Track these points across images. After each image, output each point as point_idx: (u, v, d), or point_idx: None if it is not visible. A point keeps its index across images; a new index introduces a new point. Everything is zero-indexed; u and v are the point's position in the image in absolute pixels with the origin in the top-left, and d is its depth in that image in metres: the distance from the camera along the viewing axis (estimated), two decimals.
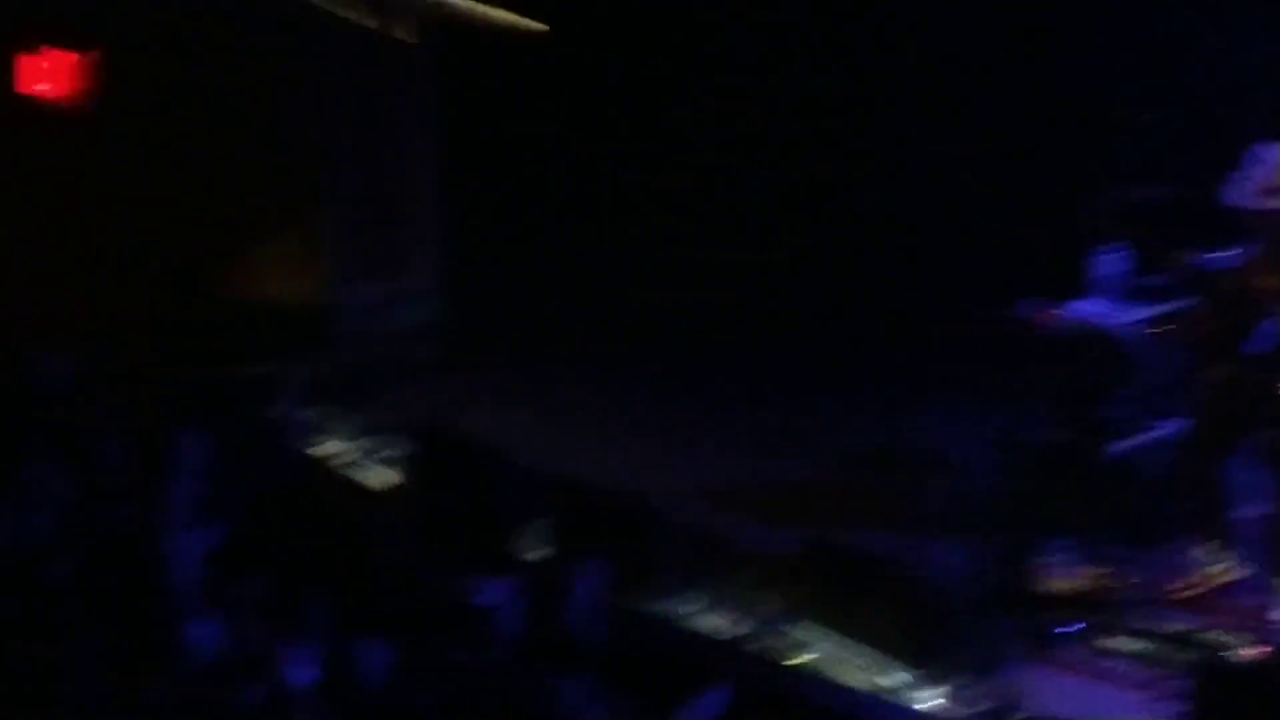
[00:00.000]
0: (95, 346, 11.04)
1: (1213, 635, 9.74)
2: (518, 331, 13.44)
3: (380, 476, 11.78)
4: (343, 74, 12.86)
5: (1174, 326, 10.44)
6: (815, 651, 9.68)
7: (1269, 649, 9.59)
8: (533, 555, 10.49)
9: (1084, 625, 9.88)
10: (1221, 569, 10.17)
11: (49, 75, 12.10)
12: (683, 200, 14.42)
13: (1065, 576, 10.23)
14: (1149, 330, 10.67)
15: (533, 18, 13.75)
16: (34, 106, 12.14)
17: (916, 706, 9.31)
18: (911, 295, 13.90)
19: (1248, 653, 9.55)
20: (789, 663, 9.67)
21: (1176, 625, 9.85)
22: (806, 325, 13.79)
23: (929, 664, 9.41)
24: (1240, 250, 9.89)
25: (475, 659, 9.14)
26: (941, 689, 9.29)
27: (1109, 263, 10.96)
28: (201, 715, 8.42)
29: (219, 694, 8.63)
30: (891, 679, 9.46)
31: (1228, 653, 9.56)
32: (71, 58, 12.13)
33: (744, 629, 9.92)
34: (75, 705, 8.42)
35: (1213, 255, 9.99)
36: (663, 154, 14.45)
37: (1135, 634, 9.81)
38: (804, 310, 13.92)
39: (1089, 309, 10.89)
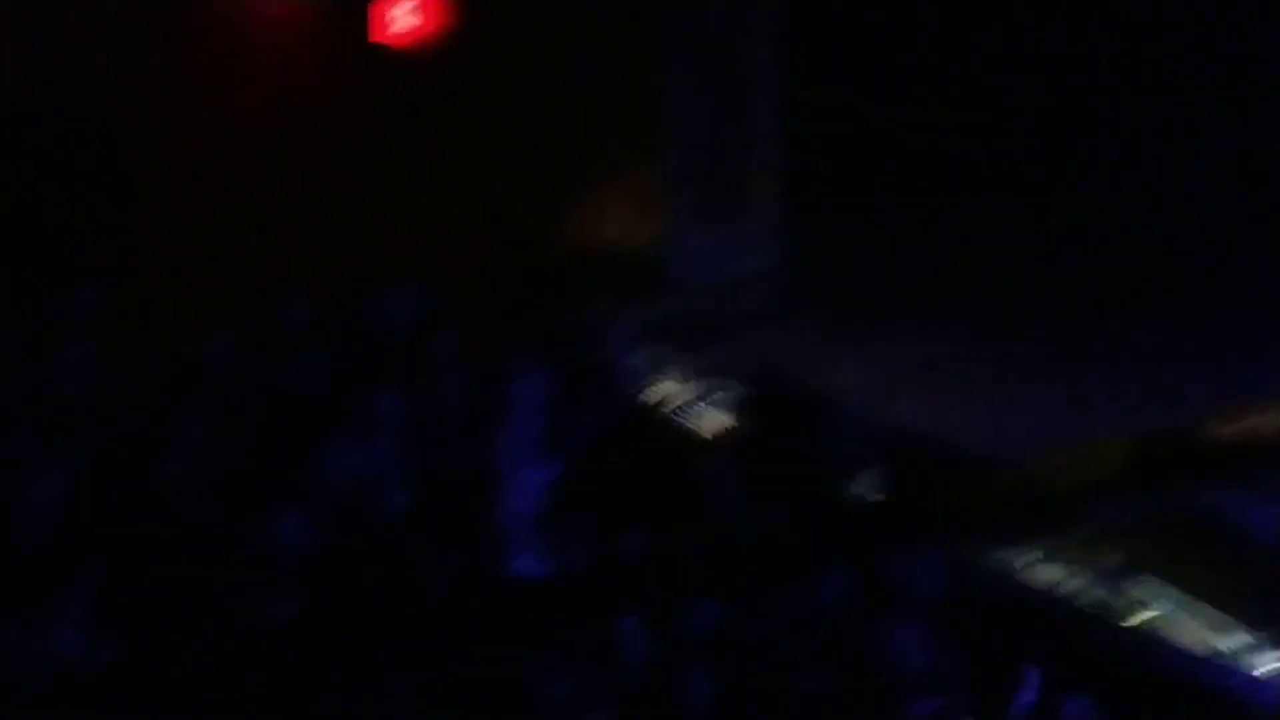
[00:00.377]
0: (438, 283, 11.20)
1: None
2: (857, 280, 13.33)
3: (713, 422, 11.79)
4: (683, 11, 12.85)
5: None
6: (1153, 610, 9.49)
7: None
8: (865, 506, 10.42)
9: None
10: None
11: (404, 18, 12.30)
12: (1033, 147, 14.20)
13: None
14: None
15: None
16: (383, 48, 12.34)
17: (1256, 671, 9.10)
18: (1257, 253, 13.54)
19: None
20: (1126, 621, 9.50)
21: None
22: (1151, 282, 13.49)
23: (1271, 626, 9.18)
24: None
25: (803, 607, 9.12)
26: None
27: None
28: (526, 650, 8.52)
29: (547, 629, 8.73)
30: (1231, 640, 9.25)
31: None
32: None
33: (1081, 584, 9.76)
34: (410, 633, 8.58)
35: None
36: (1018, 94, 14.22)
37: None
38: (1150, 266, 13.62)
39: None
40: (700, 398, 12.01)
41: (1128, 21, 14.58)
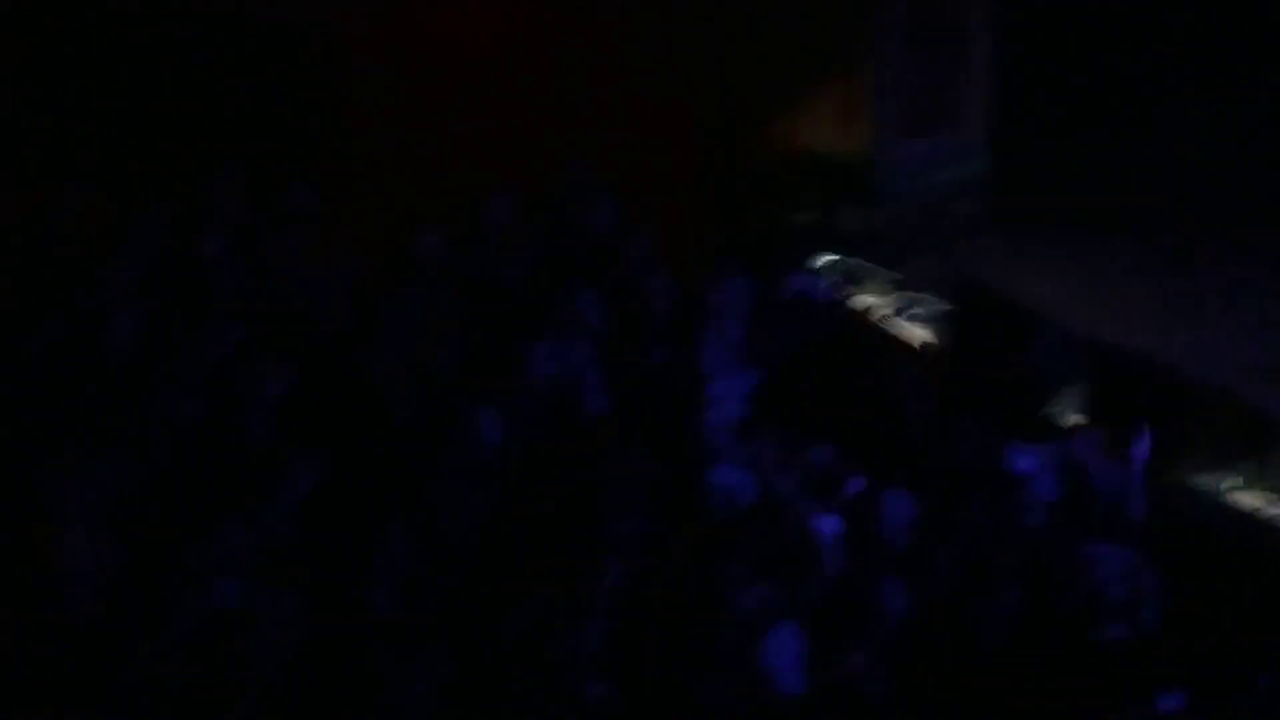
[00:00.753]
0: (643, 189, 11.21)
1: None
2: (1065, 192, 13.14)
3: (916, 333, 11.72)
4: None
5: None
6: None
7: None
8: (1068, 423, 10.32)
9: None
10: None
11: None
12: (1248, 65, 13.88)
13: None
14: None
15: None
16: None
17: None
18: None
19: None
20: None
21: None
22: None
23: None
24: None
25: (1004, 523, 9.07)
26: None
27: None
28: (725, 558, 8.54)
29: (743, 538, 8.75)
30: None
31: None
32: None
33: None
34: (608, 532, 8.63)
35: None
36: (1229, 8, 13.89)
37: None
38: None
39: None
40: (902, 309, 11.94)
41: None
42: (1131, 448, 9.34)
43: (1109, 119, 13.63)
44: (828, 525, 8.85)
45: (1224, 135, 13.41)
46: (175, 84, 11.41)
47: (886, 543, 8.85)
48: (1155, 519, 9.05)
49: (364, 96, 11.70)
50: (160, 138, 11.25)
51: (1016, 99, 13.20)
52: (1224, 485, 9.80)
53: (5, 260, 9.74)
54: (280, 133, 11.40)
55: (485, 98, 11.78)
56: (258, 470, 8.46)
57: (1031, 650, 8.39)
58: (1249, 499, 9.71)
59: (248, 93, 11.48)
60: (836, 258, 12.19)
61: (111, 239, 9.96)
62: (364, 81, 11.72)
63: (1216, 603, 8.64)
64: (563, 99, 11.90)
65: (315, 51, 11.63)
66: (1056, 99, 13.58)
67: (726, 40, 12.34)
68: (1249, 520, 9.60)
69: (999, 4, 13.08)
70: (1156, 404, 10.01)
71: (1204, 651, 8.44)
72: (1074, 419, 10.32)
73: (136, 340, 9.35)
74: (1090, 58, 13.71)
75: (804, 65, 12.64)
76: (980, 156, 13.05)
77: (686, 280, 10.50)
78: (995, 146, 13.09)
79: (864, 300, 11.99)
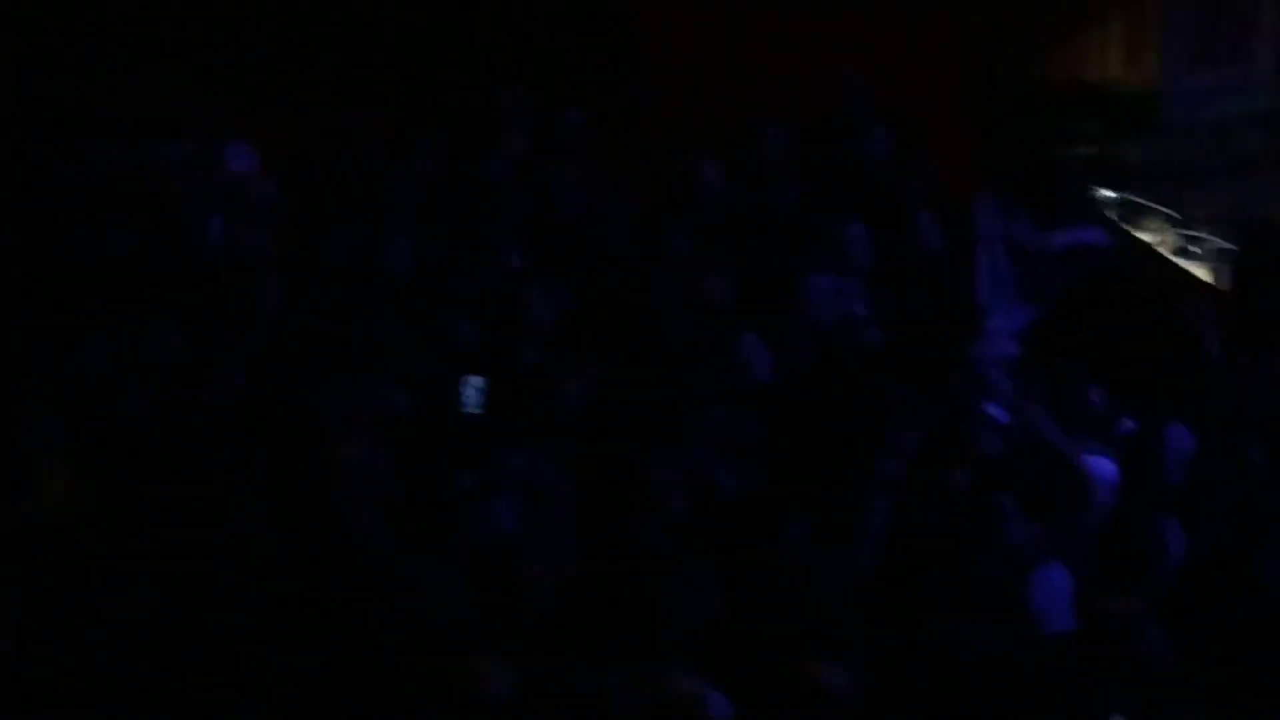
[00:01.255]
0: (919, 117, 11.11)
1: None
2: None
3: (1196, 271, 11.53)
4: None
5: None
6: None
7: None
8: None
9: None
10: None
11: None
12: None
13: None
14: None
15: None
16: None
17: None
18: None
19: None
20: None
21: None
22: None
23: None
24: None
25: None
26: None
27: None
28: (995, 494, 8.48)
29: (1014, 475, 8.68)
30: None
31: None
32: None
33: None
34: (876, 466, 8.60)
35: None
36: None
37: None
38: None
39: None
40: (1183, 246, 11.74)
41: None
42: None
43: None
44: (1101, 465, 8.75)
45: None
46: (463, 4, 11.55)
47: (1164, 483, 8.72)
48: None
49: (649, 22, 11.74)
50: (446, 59, 11.38)
51: None
52: None
53: (294, 184, 9.94)
54: (564, 57, 11.48)
55: (764, 24, 11.77)
56: (532, 393, 8.55)
57: None
58: None
59: (533, 15, 11.57)
60: (1116, 193, 12.01)
61: (394, 161, 10.10)
62: (650, 6, 11.76)
63: None
64: (842, 28, 11.84)
65: None
66: None
67: None
68: None
69: None
70: None
71: None
72: None
73: (416, 262, 9.49)
74: None
75: None
76: (1267, 91, 12.79)
77: (962, 212, 10.40)
78: None
79: (1143, 236, 11.81)
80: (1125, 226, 11.78)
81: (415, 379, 8.57)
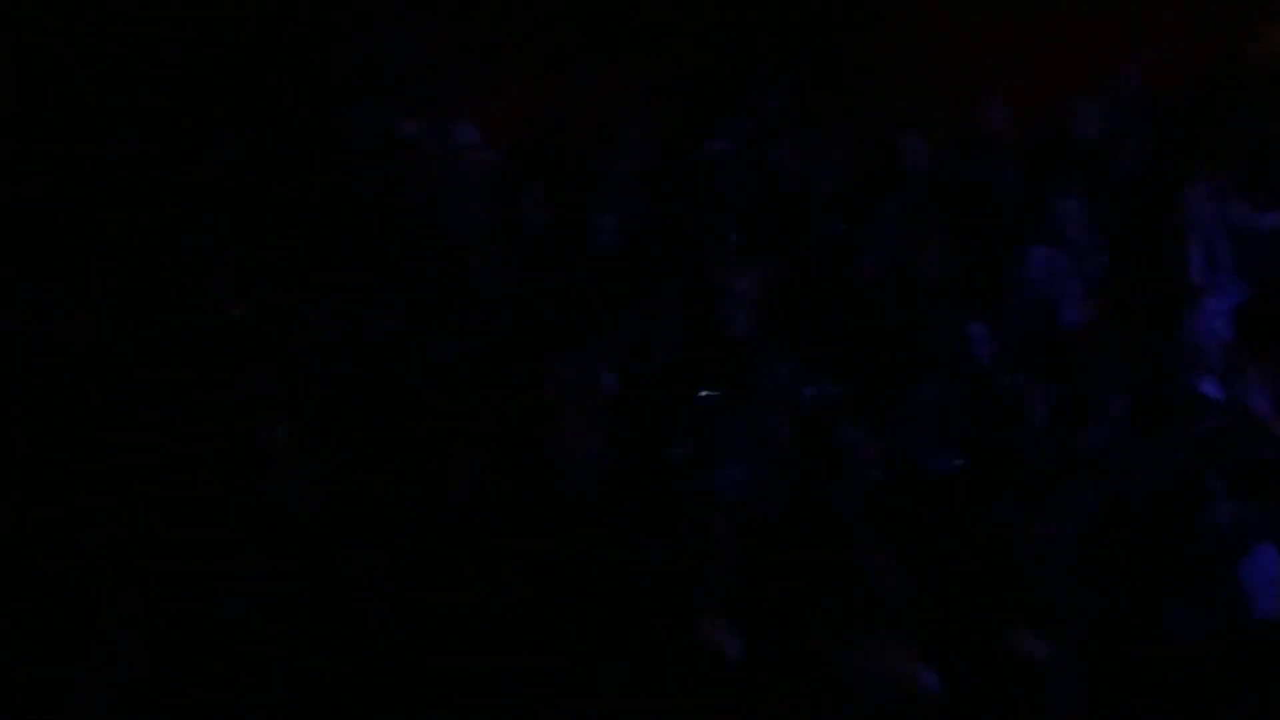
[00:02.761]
0: (1131, 96, 11.06)
1: None
2: None
3: None
4: None
5: None
6: None
7: None
8: None
9: None
10: None
11: None
12: None
13: None
14: None
15: None
16: None
17: None
18: None
19: None
20: None
21: None
22: None
23: None
24: None
25: None
26: None
27: None
28: (1204, 473, 8.48)
29: (1223, 455, 8.66)
30: None
31: None
32: None
33: None
34: (1082, 442, 8.63)
35: None
36: None
37: None
38: None
39: None
40: None
41: None
42: None
43: None
44: None
45: None
46: None
47: None
48: None
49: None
50: (666, 38, 11.45)
51: None
52: None
53: (508, 157, 10.09)
54: (784, 35, 11.50)
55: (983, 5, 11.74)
56: (740, 367, 8.65)
57: None
58: None
59: None
60: None
61: (614, 135, 10.23)
62: None
63: None
64: (1061, 5, 11.79)
65: None
66: None
67: None
68: None
69: None
70: None
71: None
72: None
73: (631, 235, 9.63)
74: None
75: None
76: None
77: (1175, 192, 10.35)
78: None
79: None
80: None
81: (626, 355, 8.70)
